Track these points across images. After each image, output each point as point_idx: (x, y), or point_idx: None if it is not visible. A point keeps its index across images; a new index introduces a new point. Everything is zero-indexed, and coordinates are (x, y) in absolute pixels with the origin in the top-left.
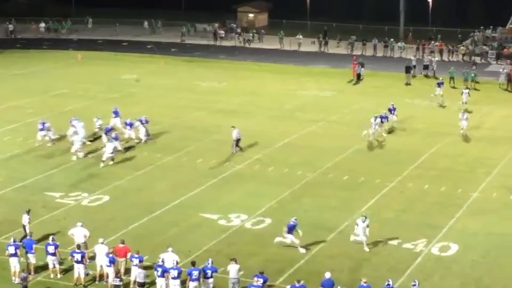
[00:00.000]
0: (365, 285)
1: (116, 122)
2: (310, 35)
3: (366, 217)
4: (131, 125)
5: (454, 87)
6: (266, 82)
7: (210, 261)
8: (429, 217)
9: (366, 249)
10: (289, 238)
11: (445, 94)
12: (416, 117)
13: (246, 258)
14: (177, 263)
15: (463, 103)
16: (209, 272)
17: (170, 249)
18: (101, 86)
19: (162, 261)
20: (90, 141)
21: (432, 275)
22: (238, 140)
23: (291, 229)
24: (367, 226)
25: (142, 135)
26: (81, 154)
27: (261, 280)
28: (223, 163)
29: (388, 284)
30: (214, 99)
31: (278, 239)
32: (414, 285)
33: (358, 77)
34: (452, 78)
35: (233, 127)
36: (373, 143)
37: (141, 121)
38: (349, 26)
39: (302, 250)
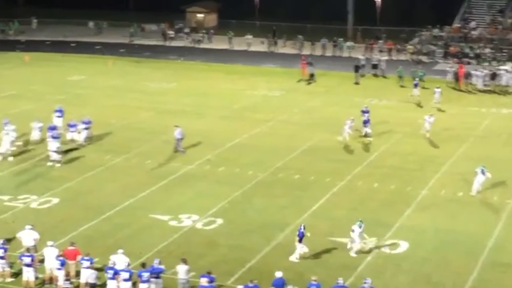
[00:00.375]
0: (314, 283)
1: (58, 122)
2: (259, 35)
3: (362, 222)
4: (74, 126)
5: (402, 86)
6: (215, 82)
7: (157, 261)
8: (379, 215)
9: (354, 254)
10: (300, 247)
11: (395, 92)
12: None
13: (197, 258)
14: (129, 265)
15: (435, 102)
16: (155, 272)
17: (120, 251)
18: (49, 88)
19: (113, 263)
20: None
21: (382, 272)
22: (180, 139)
23: (302, 237)
24: (363, 231)
25: (82, 137)
26: (11, 158)
27: (207, 280)
28: (173, 164)
29: (338, 283)
30: (163, 100)
31: (293, 256)
32: (366, 282)
33: (311, 76)
34: (400, 77)
35: (176, 126)
36: (349, 144)
37: (84, 122)
38: (298, 26)
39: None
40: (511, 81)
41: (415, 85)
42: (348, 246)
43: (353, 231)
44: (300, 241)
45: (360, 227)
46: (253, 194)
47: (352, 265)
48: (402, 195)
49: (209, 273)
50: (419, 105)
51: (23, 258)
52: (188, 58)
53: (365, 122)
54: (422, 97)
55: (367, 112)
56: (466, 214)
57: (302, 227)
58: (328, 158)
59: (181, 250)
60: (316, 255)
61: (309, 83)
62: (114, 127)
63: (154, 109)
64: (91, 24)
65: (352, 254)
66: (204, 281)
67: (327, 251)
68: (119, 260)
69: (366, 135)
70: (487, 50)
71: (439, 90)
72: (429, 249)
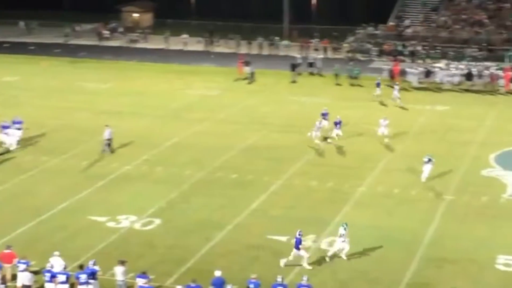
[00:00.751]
0: (254, 281)
1: None
2: (196, 34)
3: (347, 225)
4: (7, 127)
5: (338, 84)
6: (152, 82)
7: (92, 263)
8: (317, 212)
9: (344, 257)
10: (295, 253)
11: (331, 91)
12: (301, 114)
13: (135, 259)
14: (65, 267)
15: (394, 98)
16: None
17: (56, 253)
18: None
19: (51, 266)
20: None
21: (321, 270)
22: (109, 140)
23: (298, 244)
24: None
25: (14, 139)
26: None
27: (142, 280)
28: (110, 165)
29: (277, 281)
30: (99, 100)
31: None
32: (303, 279)
33: (251, 75)
34: (336, 75)
35: (106, 126)
36: (320, 146)
37: (14, 122)
38: (235, 25)
39: (282, 262)
40: (445, 78)
41: (377, 84)
42: (330, 254)
43: (340, 235)
44: (297, 248)
45: (345, 229)
46: (191, 193)
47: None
48: (340, 192)
49: (144, 273)
50: (382, 103)
51: None
52: (124, 58)
53: (336, 124)
54: (361, 95)
55: (327, 114)
56: (403, 210)
57: (299, 233)
58: (266, 156)
59: (119, 251)
60: (255, 254)
61: (249, 83)
62: (49, 128)
63: (90, 110)
64: (21, 24)
65: (343, 257)
66: (140, 281)
67: (266, 249)
68: (56, 262)
69: (334, 136)
70: (421, 48)
71: (397, 87)
72: (366, 246)
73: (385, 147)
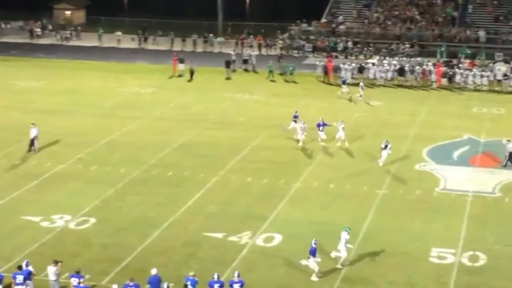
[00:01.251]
0: (191, 278)
1: None
2: (129, 31)
3: (349, 229)
4: None
5: (273, 81)
6: (86, 80)
7: (25, 263)
8: (253, 209)
9: (339, 266)
10: (311, 262)
11: (266, 87)
12: (237, 111)
13: (71, 259)
14: None
15: (360, 96)
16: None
17: None
18: None
19: None
20: None
21: (257, 265)
22: (34, 139)
23: (313, 253)
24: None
25: None
26: None
27: (77, 280)
28: (44, 164)
29: (214, 278)
30: (32, 99)
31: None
32: (234, 276)
33: (192, 74)
34: (271, 72)
35: (32, 124)
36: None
37: None
38: (169, 22)
39: (314, 278)
40: (378, 74)
41: (343, 82)
42: (333, 256)
43: (339, 239)
44: (311, 254)
45: (348, 233)
46: (127, 192)
47: (227, 260)
48: (275, 188)
49: (78, 272)
50: (350, 100)
51: None
52: (57, 56)
53: (319, 126)
54: (295, 91)
55: (296, 116)
56: (338, 205)
57: (314, 242)
58: (202, 154)
59: (54, 251)
60: (192, 251)
61: (189, 80)
62: None
63: (23, 109)
64: None
65: (339, 266)
66: (74, 281)
67: (203, 246)
68: None
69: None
70: (354, 44)
71: (362, 84)
72: (303, 241)
73: (320, 143)
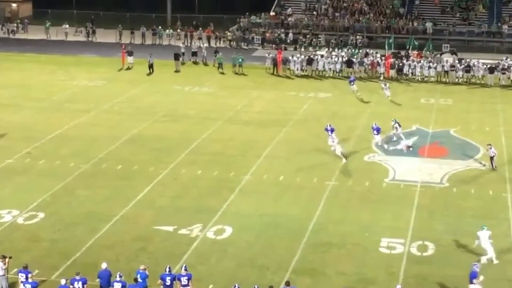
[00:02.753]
0: (142, 271)
1: None
2: (77, 24)
3: (485, 227)
4: None
5: (222, 73)
6: (33, 73)
7: None
8: (203, 202)
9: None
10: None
11: (215, 79)
12: (186, 103)
13: (19, 254)
14: None
15: (387, 96)
16: None
17: None
18: None
19: None
20: None
21: (208, 258)
22: None
23: (474, 277)
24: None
25: None
26: None
27: (24, 275)
28: None
29: (165, 271)
30: None
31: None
32: (182, 269)
33: (151, 67)
34: (220, 64)
35: None
36: None
37: None
38: (117, 15)
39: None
40: (327, 65)
41: (350, 82)
42: (483, 261)
43: (478, 238)
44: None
45: (487, 230)
46: (76, 186)
47: (178, 253)
48: (225, 181)
49: (25, 267)
50: (360, 99)
51: None
52: (3, 49)
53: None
54: (244, 83)
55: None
56: (288, 197)
57: (476, 266)
58: (151, 147)
59: (2, 246)
60: (141, 246)
61: (149, 74)
62: None
63: None
64: None
65: (495, 261)
66: (22, 277)
67: (153, 240)
68: None
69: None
70: (303, 36)
71: (387, 85)
72: (253, 233)
73: (270, 135)
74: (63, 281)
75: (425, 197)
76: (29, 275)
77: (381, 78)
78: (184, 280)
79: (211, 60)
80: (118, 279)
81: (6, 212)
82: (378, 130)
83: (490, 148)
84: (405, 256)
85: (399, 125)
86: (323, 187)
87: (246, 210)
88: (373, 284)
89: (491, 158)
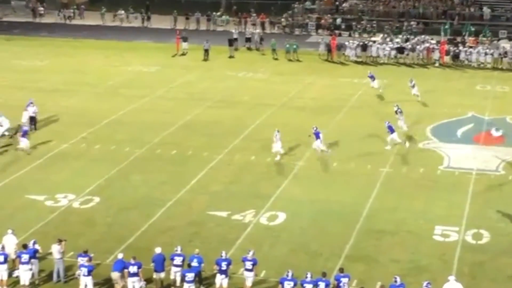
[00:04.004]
0: (196, 256)
1: None
2: (132, 10)
3: None
4: None
5: (276, 59)
6: (89, 59)
7: (32, 242)
8: (256, 187)
9: None
10: None
11: (269, 65)
12: (240, 89)
13: (75, 238)
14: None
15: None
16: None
17: (10, 231)
18: None
19: (2, 246)
20: None
21: (261, 244)
22: (34, 116)
23: None
24: None
25: None
26: None
27: (85, 259)
28: (48, 143)
29: (221, 256)
30: (36, 78)
31: None
32: (248, 253)
33: (206, 53)
34: (274, 50)
35: (31, 103)
36: None
37: None
38: (172, 1)
39: None
40: (381, 51)
41: (372, 77)
42: None
43: None
44: None
45: None
46: (131, 171)
47: (231, 238)
48: (279, 167)
49: (85, 252)
50: (380, 94)
51: None
52: (60, 35)
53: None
54: (298, 69)
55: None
56: (342, 184)
57: None
58: (205, 132)
59: (59, 230)
60: (195, 231)
61: (205, 59)
62: None
63: (27, 88)
64: None
65: None
66: (82, 260)
67: (207, 225)
68: (9, 240)
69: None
70: (358, 22)
71: (413, 82)
72: (306, 220)
73: (323, 121)
74: (120, 255)
75: (480, 184)
76: (86, 259)
77: (436, 64)
78: (248, 265)
79: (267, 46)
80: (178, 252)
81: (63, 197)
82: (391, 128)
83: None
84: (460, 244)
85: (401, 111)
86: (377, 173)
87: (299, 196)
88: (426, 272)
89: None
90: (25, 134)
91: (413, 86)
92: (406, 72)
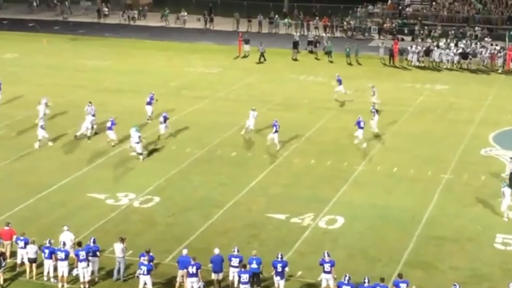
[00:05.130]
0: (254, 257)
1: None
2: (195, 11)
3: None
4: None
5: (331, 62)
6: (152, 59)
7: (92, 240)
8: (315, 191)
9: None
10: None
11: (329, 69)
12: (300, 92)
13: (134, 237)
14: (77, 242)
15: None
16: (91, 251)
17: (65, 228)
18: None
19: (63, 243)
20: None
21: (319, 247)
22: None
23: None
24: None
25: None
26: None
27: (147, 258)
28: (110, 143)
29: (277, 257)
30: (100, 78)
31: None
32: (325, 256)
33: (262, 56)
34: (329, 52)
35: (89, 102)
36: None
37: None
38: (234, 3)
39: None
40: (444, 57)
41: (339, 81)
42: None
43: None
44: None
45: None
46: (191, 171)
47: (289, 241)
48: (339, 171)
49: (148, 252)
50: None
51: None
52: (124, 36)
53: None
54: (359, 73)
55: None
56: (402, 189)
57: None
58: (265, 134)
59: (119, 228)
60: (254, 233)
61: (260, 62)
62: (50, 105)
63: (90, 87)
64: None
65: None
66: (144, 260)
67: (265, 228)
68: (66, 237)
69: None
70: (420, 27)
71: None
72: (365, 224)
73: (384, 126)
74: (184, 251)
75: None
76: (149, 258)
77: (500, 71)
78: (326, 267)
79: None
80: (235, 253)
81: (123, 195)
82: (359, 124)
83: None
84: None
85: (376, 111)
86: (438, 180)
87: (358, 200)
88: (487, 280)
89: None
90: (111, 126)
91: (374, 94)
92: (470, 77)
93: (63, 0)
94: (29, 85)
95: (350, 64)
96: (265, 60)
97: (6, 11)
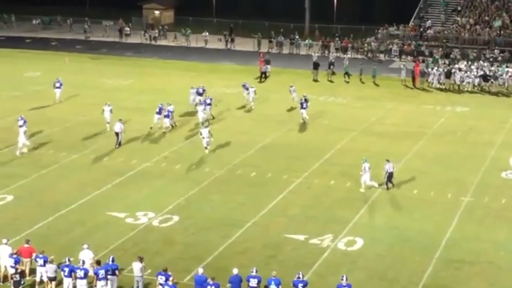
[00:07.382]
0: (274, 278)
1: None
2: (216, 32)
3: None
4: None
5: (347, 82)
6: (173, 79)
7: (111, 259)
8: (335, 212)
9: None
10: None
11: (350, 90)
12: (321, 113)
13: (153, 256)
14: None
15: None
16: (110, 269)
17: (85, 246)
18: (4, 84)
19: (83, 261)
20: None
21: (338, 269)
22: (119, 133)
23: None
24: None
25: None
26: None
27: (164, 278)
28: (130, 161)
29: (299, 277)
30: (120, 97)
31: None
32: (342, 279)
33: (263, 75)
34: (346, 73)
35: (120, 120)
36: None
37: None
38: (255, 23)
39: None
40: (465, 79)
41: (302, 106)
42: None
43: None
44: None
45: None
46: (210, 191)
47: (308, 262)
48: (358, 192)
49: (165, 270)
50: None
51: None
52: (145, 55)
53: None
54: (379, 94)
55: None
56: (421, 211)
57: None
58: (285, 155)
59: (138, 247)
60: (272, 253)
61: (261, 82)
62: (71, 123)
63: (111, 106)
64: (34, 21)
65: None
66: (161, 279)
67: (284, 248)
68: (85, 255)
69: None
70: (442, 49)
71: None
72: (384, 246)
73: (404, 148)
74: (200, 270)
75: None
76: (170, 278)
77: None
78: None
79: (353, 71)
80: (254, 274)
81: (143, 214)
82: (302, 105)
83: None
84: None
85: (306, 100)
86: (458, 202)
87: (378, 222)
88: None
89: None
90: (168, 114)
91: (294, 92)
92: (491, 100)
93: (83, 20)
94: (50, 103)
95: (362, 82)
96: (265, 78)
97: (19, 28)
